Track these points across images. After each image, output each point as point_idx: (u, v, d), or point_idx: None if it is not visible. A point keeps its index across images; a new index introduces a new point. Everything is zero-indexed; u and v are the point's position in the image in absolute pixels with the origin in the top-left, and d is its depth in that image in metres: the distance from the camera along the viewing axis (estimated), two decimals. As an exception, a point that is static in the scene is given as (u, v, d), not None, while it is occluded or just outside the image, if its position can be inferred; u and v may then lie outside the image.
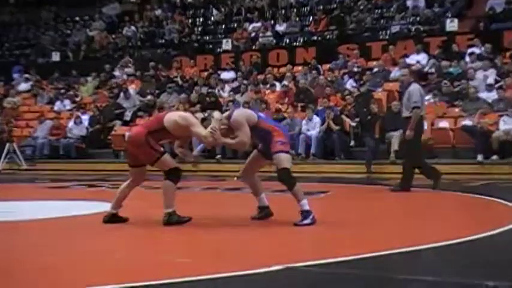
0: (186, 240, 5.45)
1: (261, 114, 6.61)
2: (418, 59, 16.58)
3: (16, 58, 24.65)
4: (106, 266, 4.42)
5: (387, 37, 18.45)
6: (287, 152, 6.22)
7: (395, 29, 18.22)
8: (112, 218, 6.16)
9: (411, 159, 9.61)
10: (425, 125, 13.77)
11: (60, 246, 5.18)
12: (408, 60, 16.39)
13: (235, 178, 10.98)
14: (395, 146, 13.09)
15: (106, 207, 7.65)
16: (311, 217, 5.96)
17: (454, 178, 11.06)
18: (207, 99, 17.04)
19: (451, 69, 15.68)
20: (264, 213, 6.41)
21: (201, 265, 4.40)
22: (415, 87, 9.54)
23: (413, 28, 17.97)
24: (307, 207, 5.97)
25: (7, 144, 15.91)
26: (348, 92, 15.56)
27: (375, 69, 16.69)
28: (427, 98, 14.67)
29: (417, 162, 9.65)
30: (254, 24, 20.63)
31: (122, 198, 6.21)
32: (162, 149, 6.07)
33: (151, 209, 8.08)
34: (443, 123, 13.84)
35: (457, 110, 14.23)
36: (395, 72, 16.09)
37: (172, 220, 5.89)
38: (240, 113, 6.24)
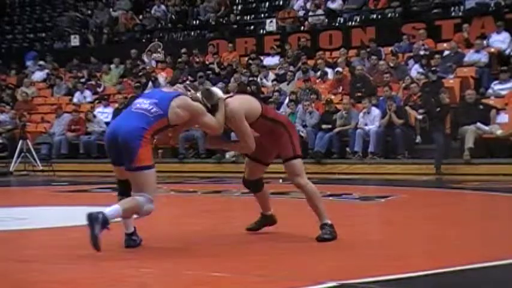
0: (225, 252, 5.47)
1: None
2: (498, 39, 16.33)
3: (30, 43, 25.11)
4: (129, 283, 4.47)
5: (460, 14, 18.19)
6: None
7: (470, 4, 17.94)
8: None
9: None
10: (507, 118, 13.69)
11: (75, 258, 5.24)
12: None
13: (281, 180, 10.98)
14: (469, 142, 12.91)
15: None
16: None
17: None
18: (248, 88, 17.07)
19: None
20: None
21: (243, 283, 4.42)
22: None
23: (492, 3, 17.67)
24: None
25: (20, 142, 16.19)
26: (411, 80, 15.33)
27: (446, 52, 16.48)
28: (509, 86, 14.53)
29: None
30: (302, 2, 20.57)
31: None
32: None
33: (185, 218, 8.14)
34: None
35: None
36: (470, 56, 15.87)
37: None
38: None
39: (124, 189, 5.52)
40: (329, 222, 5.75)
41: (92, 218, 5.02)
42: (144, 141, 5.21)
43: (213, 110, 5.51)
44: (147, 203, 5.26)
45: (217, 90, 5.66)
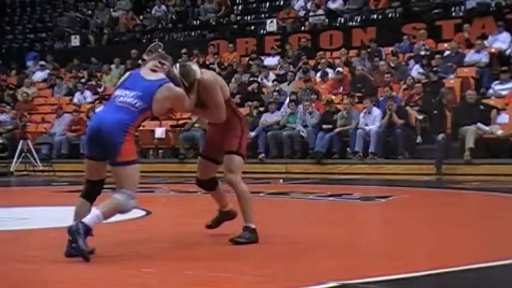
0: (225, 252, 5.47)
1: None
2: (499, 39, 16.33)
3: (30, 43, 25.13)
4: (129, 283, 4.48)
5: (461, 14, 18.20)
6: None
7: (470, 4, 17.94)
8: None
9: None
10: (507, 118, 13.69)
11: (75, 258, 5.25)
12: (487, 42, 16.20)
13: (281, 180, 11.01)
14: (470, 143, 12.90)
15: (131, 214, 7.74)
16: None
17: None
18: (249, 88, 17.08)
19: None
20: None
21: (243, 283, 4.42)
22: None
23: (493, 3, 17.67)
24: None
25: (21, 142, 16.20)
26: (412, 80, 15.31)
27: (446, 53, 16.48)
28: (509, 86, 14.53)
29: None
30: (303, 2, 20.57)
31: None
32: None
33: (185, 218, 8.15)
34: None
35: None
36: (470, 56, 15.87)
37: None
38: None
39: (91, 191, 5.36)
40: (252, 226, 5.67)
41: (72, 231, 4.91)
42: (128, 136, 5.11)
43: (187, 88, 5.38)
44: (129, 200, 5.15)
45: (195, 68, 5.50)
